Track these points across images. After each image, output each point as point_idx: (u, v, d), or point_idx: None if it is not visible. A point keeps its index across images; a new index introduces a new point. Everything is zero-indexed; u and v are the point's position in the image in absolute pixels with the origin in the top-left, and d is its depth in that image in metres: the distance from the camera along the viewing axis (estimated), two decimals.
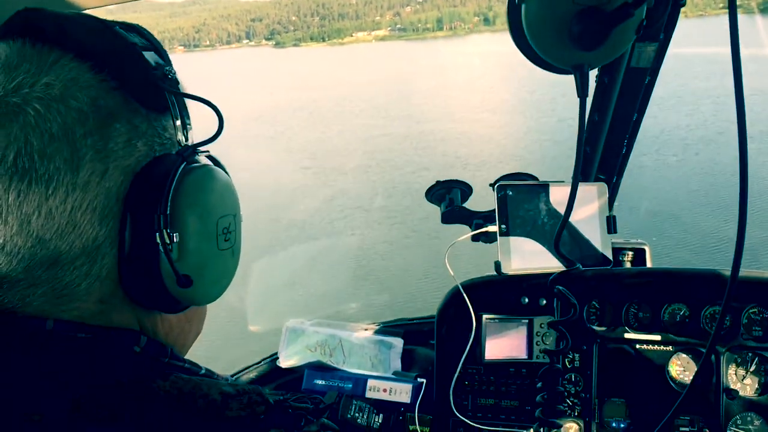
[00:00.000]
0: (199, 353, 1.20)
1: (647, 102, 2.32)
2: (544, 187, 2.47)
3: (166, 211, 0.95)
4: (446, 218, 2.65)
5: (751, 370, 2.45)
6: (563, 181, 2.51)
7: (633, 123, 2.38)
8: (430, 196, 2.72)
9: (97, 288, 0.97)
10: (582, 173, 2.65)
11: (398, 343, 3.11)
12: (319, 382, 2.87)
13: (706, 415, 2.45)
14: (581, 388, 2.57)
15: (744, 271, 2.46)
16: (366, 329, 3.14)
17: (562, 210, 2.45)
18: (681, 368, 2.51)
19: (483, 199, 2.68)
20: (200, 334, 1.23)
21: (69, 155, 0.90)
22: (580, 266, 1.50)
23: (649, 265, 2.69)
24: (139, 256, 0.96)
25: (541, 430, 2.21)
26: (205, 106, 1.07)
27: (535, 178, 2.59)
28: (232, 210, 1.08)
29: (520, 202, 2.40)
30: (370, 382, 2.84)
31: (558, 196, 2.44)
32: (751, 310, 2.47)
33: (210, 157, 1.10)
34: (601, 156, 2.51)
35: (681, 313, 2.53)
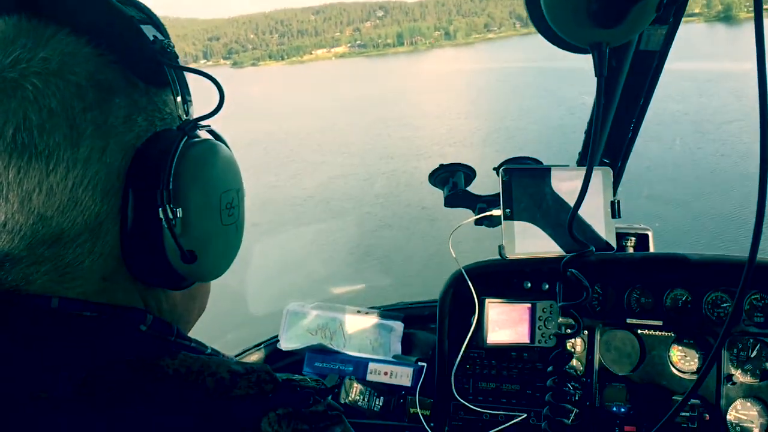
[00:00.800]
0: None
1: (654, 86, 2.29)
2: (549, 171, 2.45)
3: (168, 186, 0.94)
4: (449, 202, 2.63)
5: (752, 356, 2.46)
6: (568, 165, 2.50)
7: (640, 107, 2.36)
8: (434, 180, 2.70)
9: (101, 265, 0.96)
10: (586, 157, 2.64)
11: (398, 326, 3.11)
12: (320, 364, 2.87)
13: (706, 401, 2.46)
14: (582, 373, 2.58)
15: (744, 256, 2.47)
16: (366, 313, 3.14)
17: (567, 194, 2.44)
18: (682, 354, 2.51)
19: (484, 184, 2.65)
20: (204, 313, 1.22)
21: (68, 130, 0.89)
22: (594, 249, 1.49)
23: (651, 250, 2.69)
24: (142, 232, 0.95)
25: (551, 414, 2.21)
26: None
27: (540, 162, 2.57)
28: (234, 185, 1.07)
29: (525, 185, 2.38)
30: (371, 366, 2.84)
31: (562, 180, 2.43)
32: (753, 296, 2.47)
33: (211, 132, 1.09)
34: (606, 140, 2.49)
35: (683, 299, 2.53)
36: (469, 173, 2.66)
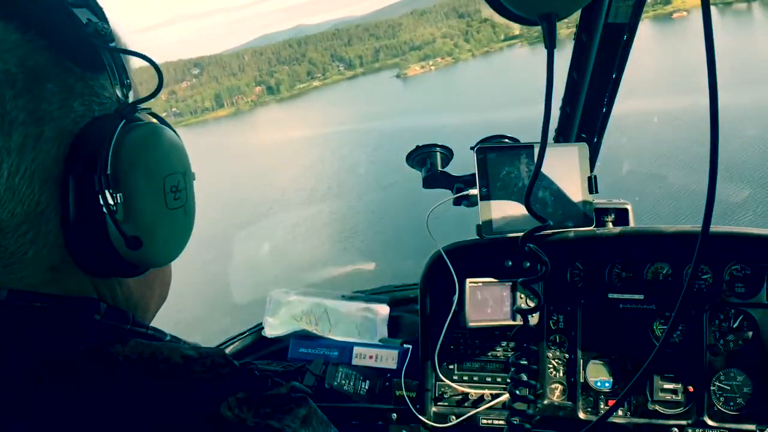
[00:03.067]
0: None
1: (626, 60, 2.28)
2: (526, 148, 2.44)
3: (106, 171, 0.92)
4: (427, 183, 2.62)
5: (734, 326, 2.46)
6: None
7: (612, 81, 2.35)
8: (411, 161, 2.69)
9: (46, 255, 0.94)
10: (562, 133, 2.63)
11: (384, 310, 3.11)
12: (305, 350, 2.87)
13: (689, 373, 2.47)
14: (565, 348, 2.58)
15: (725, 228, 2.47)
16: (351, 297, 3.14)
17: (544, 170, 2.44)
18: (664, 327, 2.52)
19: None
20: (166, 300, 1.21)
21: None
22: (551, 222, 1.49)
23: (632, 225, 2.69)
24: (83, 220, 0.93)
25: (517, 391, 2.21)
26: None
27: (517, 140, 2.56)
28: (180, 168, 1.04)
29: (501, 164, 2.38)
30: (356, 350, 2.84)
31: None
32: (733, 267, 2.47)
33: (153, 115, 1.08)
34: (581, 116, 2.48)
35: (664, 272, 2.53)
36: (446, 153, 2.65)
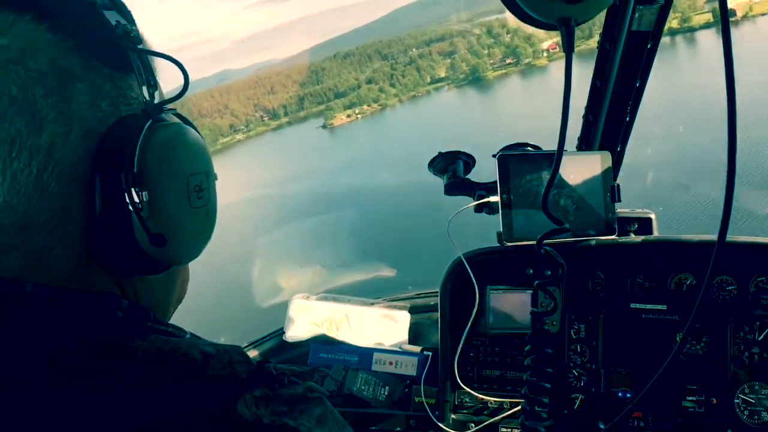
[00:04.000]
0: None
1: (650, 68, 2.27)
2: (548, 156, 2.44)
3: (132, 170, 0.94)
4: (449, 190, 2.62)
5: (759, 339, 2.43)
6: (566, 150, 2.48)
7: (636, 90, 2.34)
8: (433, 168, 2.70)
9: (73, 251, 0.96)
10: (585, 142, 2.62)
11: (405, 316, 3.11)
12: (325, 355, 2.88)
13: (713, 385, 2.43)
14: (587, 358, 2.56)
15: (749, 238, 2.44)
16: (372, 303, 3.15)
17: (566, 178, 2.43)
18: (689, 338, 2.49)
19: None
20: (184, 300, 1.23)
21: (30, 117, 0.89)
22: (567, 225, 1.49)
23: (655, 234, 2.66)
24: (109, 217, 0.95)
25: (533, 396, 2.19)
26: None
27: (539, 148, 2.56)
28: (203, 168, 1.06)
29: (522, 172, 2.37)
30: (376, 355, 2.85)
31: (563, 165, 2.41)
32: (758, 279, 2.44)
33: (178, 116, 1.09)
34: (604, 124, 2.47)
35: (687, 283, 2.51)
36: (469, 161, 2.65)
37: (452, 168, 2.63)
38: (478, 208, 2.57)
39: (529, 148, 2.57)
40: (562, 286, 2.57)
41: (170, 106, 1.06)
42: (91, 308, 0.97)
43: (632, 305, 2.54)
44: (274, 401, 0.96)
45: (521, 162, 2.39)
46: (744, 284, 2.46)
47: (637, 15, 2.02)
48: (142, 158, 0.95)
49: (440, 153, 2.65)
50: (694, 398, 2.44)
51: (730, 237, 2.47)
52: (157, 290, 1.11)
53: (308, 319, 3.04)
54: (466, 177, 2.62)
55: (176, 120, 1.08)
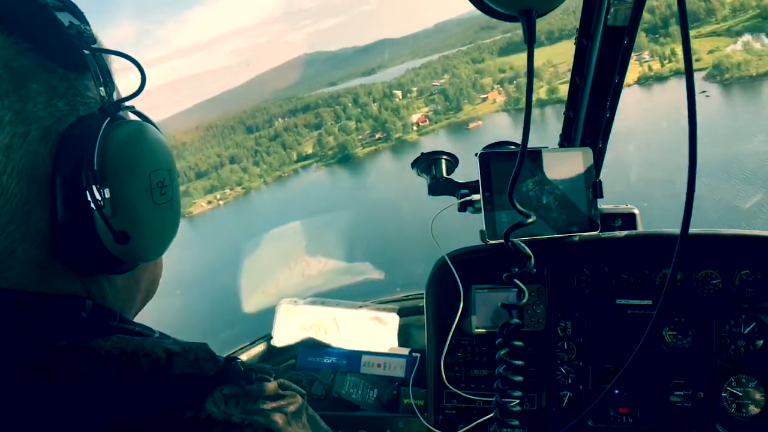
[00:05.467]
0: None
1: (627, 64, 2.28)
2: (528, 153, 2.44)
3: (93, 167, 0.94)
4: (432, 190, 2.63)
5: (745, 332, 2.43)
6: (547, 147, 2.48)
7: (614, 86, 2.35)
8: (417, 168, 2.70)
9: (34, 253, 0.96)
10: (567, 138, 2.63)
11: (393, 319, 3.11)
12: (314, 359, 2.88)
13: (700, 379, 2.43)
14: (574, 355, 2.56)
15: (733, 231, 2.44)
16: (361, 306, 3.14)
17: (548, 175, 2.44)
18: (674, 333, 2.49)
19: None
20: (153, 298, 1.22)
21: None
22: (534, 216, 1.49)
23: (639, 229, 2.66)
24: (71, 217, 0.95)
25: (506, 388, 2.17)
26: None
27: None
28: (165, 164, 1.07)
29: (504, 170, 2.37)
30: (365, 358, 2.85)
31: (545, 162, 2.42)
32: (743, 272, 2.44)
33: (137, 113, 1.10)
34: (584, 120, 2.48)
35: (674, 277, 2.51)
36: (451, 161, 2.65)
37: (435, 168, 2.64)
38: (462, 207, 2.57)
39: (511, 147, 2.57)
40: (546, 283, 2.57)
41: (128, 103, 1.06)
42: (54, 311, 0.97)
43: (618, 301, 2.54)
44: (244, 399, 0.96)
45: (502, 160, 2.39)
46: (728, 278, 2.46)
47: (612, 10, 2.03)
48: (102, 155, 0.95)
49: (423, 153, 2.66)
50: (682, 393, 2.44)
51: (714, 230, 2.48)
52: (123, 289, 1.10)
53: (296, 324, 3.03)
54: (449, 177, 2.63)
55: (135, 118, 1.08)
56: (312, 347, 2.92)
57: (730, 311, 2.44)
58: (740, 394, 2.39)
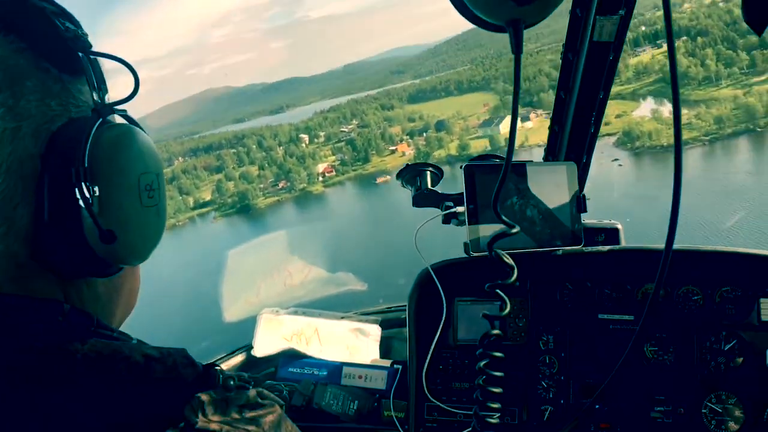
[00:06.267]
0: None
1: (612, 79, 2.30)
2: (513, 167, 2.45)
3: (83, 164, 0.94)
4: (417, 201, 2.63)
5: (725, 348, 2.44)
6: (532, 161, 2.49)
7: (599, 101, 2.36)
8: (402, 180, 2.70)
9: (16, 251, 0.95)
10: (551, 153, 2.64)
11: (375, 330, 3.09)
12: (294, 370, 2.85)
13: (681, 395, 2.43)
14: (556, 369, 2.56)
15: (714, 247, 2.46)
16: (343, 317, 3.12)
17: (533, 189, 2.44)
18: (655, 348, 2.49)
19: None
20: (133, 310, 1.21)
21: None
22: (518, 227, 1.49)
23: (622, 244, 2.67)
24: (58, 215, 0.95)
25: (482, 399, 2.14)
26: None
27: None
28: (154, 168, 1.07)
29: (488, 182, 2.37)
30: (346, 369, 2.83)
31: (529, 176, 2.43)
32: (723, 289, 2.46)
33: (128, 117, 1.09)
34: (569, 135, 2.49)
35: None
36: (436, 173, 2.65)
37: (420, 180, 2.64)
38: (446, 219, 2.57)
39: (496, 160, 2.58)
40: (529, 296, 2.57)
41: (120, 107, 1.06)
42: (31, 313, 0.95)
43: (600, 316, 2.54)
44: (223, 406, 0.95)
45: (487, 173, 2.39)
46: (709, 294, 2.47)
47: (598, 25, 2.04)
48: (93, 154, 0.95)
49: (407, 165, 2.66)
50: (662, 408, 2.44)
51: (696, 247, 2.49)
52: (102, 296, 1.09)
53: (277, 334, 3.01)
54: (433, 188, 2.62)
55: (125, 122, 1.08)
56: (293, 358, 2.89)
57: (710, 328, 2.45)
58: (720, 410, 2.39)
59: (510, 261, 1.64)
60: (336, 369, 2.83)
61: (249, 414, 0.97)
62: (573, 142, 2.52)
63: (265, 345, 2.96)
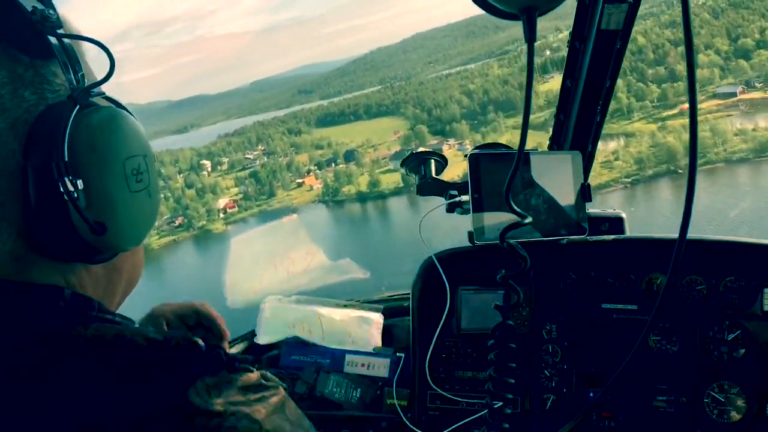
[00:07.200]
0: None
1: (619, 68, 2.29)
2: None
3: (64, 158, 0.92)
4: (421, 190, 2.62)
5: (728, 338, 2.44)
6: (537, 150, 2.48)
7: (606, 90, 2.35)
8: (406, 168, 2.69)
9: (10, 246, 0.94)
10: (556, 142, 2.63)
11: (378, 318, 3.09)
12: (297, 358, 2.85)
13: (683, 384, 2.44)
14: (559, 358, 2.56)
15: (718, 237, 2.46)
16: (345, 305, 3.12)
17: (537, 178, 2.43)
18: (659, 338, 2.50)
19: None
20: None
21: None
22: (530, 218, 1.48)
23: (627, 234, 2.67)
24: (46, 209, 0.93)
25: (495, 391, 2.14)
26: None
27: (510, 148, 2.56)
28: (140, 150, 1.04)
29: (494, 171, 2.37)
30: (348, 357, 2.83)
31: (534, 165, 2.42)
32: (727, 279, 2.46)
33: (109, 99, 1.06)
34: (574, 124, 2.48)
35: (658, 282, 2.52)
36: (441, 161, 2.65)
37: (424, 168, 2.63)
38: (450, 208, 2.57)
39: (502, 148, 2.57)
40: (533, 286, 2.57)
41: (99, 89, 1.03)
42: (32, 300, 0.95)
43: (603, 305, 2.54)
44: (227, 389, 0.94)
45: (492, 161, 2.38)
46: (713, 284, 2.47)
47: (605, 14, 2.03)
48: (73, 145, 0.93)
49: (412, 153, 2.65)
50: (665, 398, 2.45)
51: (701, 236, 2.49)
52: (103, 277, 1.08)
53: (280, 321, 3.00)
54: (438, 177, 2.62)
55: (108, 104, 1.05)
56: (295, 346, 2.89)
57: (714, 318, 2.45)
58: (722, 400, 2.40)
59: (523, 251, 1.64)
60: (339, 357, 2.83)
61: (253, 396, 0.96)
62: (578, 131, 2.51)
63: (268, 333, 2.96)
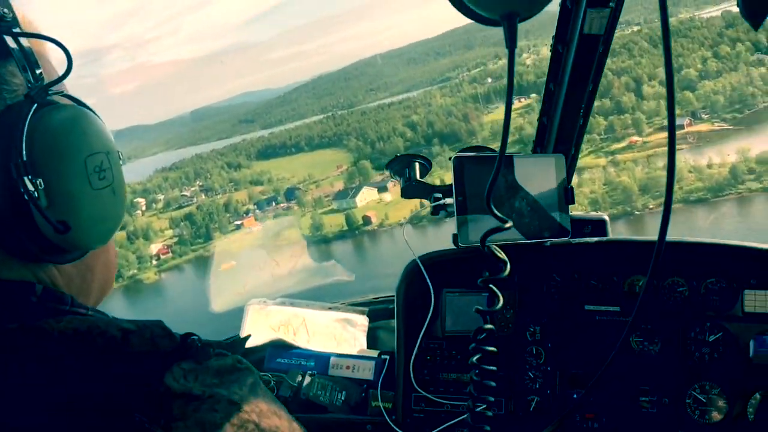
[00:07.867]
0: None
1: (601, 71, 2.31)
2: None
3: (21, 158, 0.91)
4: (405, 193, 2.62)
5: (710, 339, 2.47)
6: (521, 153, 2.50)
7: (588, 93, 2.37)
8: (391, 170, 2.69)
9: None
10: (540, 145, 2.64)
11: (363, 320, 3.09)
12: (282, 360, 2.85)
13: (666, 385, 2.46)
14: (542, 360, 2.58)
15: (700, 239, 2.48)
16: (330, 308, 3.12)
17: (521, 181, 2.45)
18: (641, 339, 2.52)
19: None
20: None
21: None
22: (511, 222, 1.49)
23: (609, 236, 2.69)
24: (7, 210, 0.92)
25: (476, 394, 2.14)
26: None
27: (494, 151, 2.57)
28: (102, 148, 1.03)
29: (478, 174, 2.38)
30: (333, 360, 2.82)
31: (517, 168, 2.43)
32: (708, 281, 2.48)
33: (69, 97, 1.05)
34: (558, 127, 2.49)
35: (640, 284, 2.54)
36: (425, 164, 2.65)
37: (409, 171, 2.63)
38: (435, 211, 2.57)
39: (487, 151, 2.58)
40: (517, 287, 2.58)
41: (57, 88, 1.02)
42: (2, 295, 0.95)
43: (586, 307, 2.56)
44: (203, 373, 0.95)
45: (476, 164, 2.39)
46: (694, 286, 2.50)
47: (588, 18, 2.04)
48: (31, 145, 0.92)
49: (396, 156, 2.65)
50: (647, 398, 2.47)
51: (682, 239, 2.52)
52: (76, 278, 1.08)
53: (265, 324, 2.99)
54: (422, 180, 2.62)
55: (68, 102, 1.04)
56: (280, 348, 2.88)
57: (695, 319, 2.48)
58: (704, 400, 2.43)
59: (503, 255, 1.65)
60: (323, 359, 2.83)
61: (230, 378, 0.97)
62: (561, 134, 2.52)
63: (252, 335, 2.95)
